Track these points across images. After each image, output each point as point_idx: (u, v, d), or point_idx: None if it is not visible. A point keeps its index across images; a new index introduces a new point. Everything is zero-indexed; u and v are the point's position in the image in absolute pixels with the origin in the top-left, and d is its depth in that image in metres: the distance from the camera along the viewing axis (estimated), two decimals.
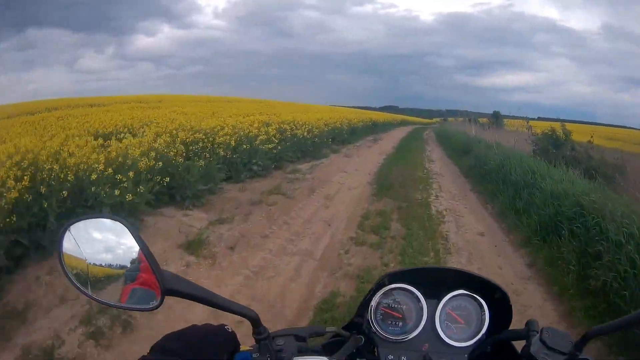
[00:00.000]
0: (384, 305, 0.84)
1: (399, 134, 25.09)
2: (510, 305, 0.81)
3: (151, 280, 0.55)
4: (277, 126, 9.55)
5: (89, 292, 0.57)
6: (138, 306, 0.57)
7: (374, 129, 22.12)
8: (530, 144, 10.21)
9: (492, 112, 41.59)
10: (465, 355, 0.80)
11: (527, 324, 0.74)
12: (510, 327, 0.81)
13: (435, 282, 0.84)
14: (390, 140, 18.60)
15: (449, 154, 14.17)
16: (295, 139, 10.13)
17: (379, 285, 0.83)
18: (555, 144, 9.32)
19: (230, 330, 0.65)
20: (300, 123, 11.35)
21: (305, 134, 10.99)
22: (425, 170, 10.45)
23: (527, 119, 12.67)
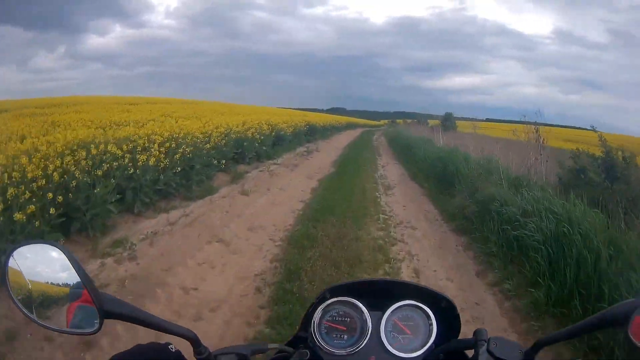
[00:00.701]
0: (328, 319, 0.82)
1: (344, 139, 20.82)
2: (458, 314, 0.81)
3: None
4: (169, 140, 6.23)
5: (34, 316, 0.57)
6: (80, 330, 0.58)
7: (312, 134, 17.39)
8: (538, 159, 6.02)
9: (443, 114, 39.86)
10: None
11: (475, 333, 0.71)
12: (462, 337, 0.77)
13: (380, 294, 0.83)
14: (330, 152, 14.34)
15: (413, 174, 10.07)
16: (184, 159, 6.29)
17: (321, 299, 0.82)
18: (610, 171, 5.08)
19: (174, 350, 0.65)
20: (199, 133, 7.52)
21: (188, 151, 6.47)
22: (382, 218, 5.90)
23: (475, 120, 12.65)
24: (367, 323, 0.80)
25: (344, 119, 33.56)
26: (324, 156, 12.71)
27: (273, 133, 11.75)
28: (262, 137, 10.55)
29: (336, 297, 0.83)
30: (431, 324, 0.80)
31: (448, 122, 38.36)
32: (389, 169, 11.20)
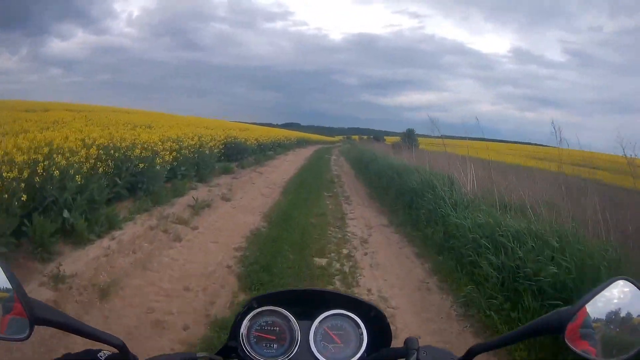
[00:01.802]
0: (256, 328, 0.81)
1: (294, 161, 16.84)
2: (388, 323, 0.82)
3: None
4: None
5: None
6: (13, 336, 0.58)
7: (235, 155, 13.35)
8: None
9: (404, 130, 37.08)
10: None
11: (406, 342, 0.72)
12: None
13: (309, 303, 0.83)
14: (263, 189, 9.27)
15: (416, 248, 5.35)
16: None
17: (248, 309, 0.82)
18: None
19: (104, 358, 0.66)
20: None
21: None
22: None
23: (430, 137, 10.36)
24: (295, 332, 0.80)
25: (292, 134, 29.65)
26: (250, 200, 7.67)
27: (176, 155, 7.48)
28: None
29: (263, 306, 0.82)
30: (361, 333, 0.80)
31: (410, 138, 35.76)
32: (374, 234, 5.91)
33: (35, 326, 0.56)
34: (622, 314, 0.61)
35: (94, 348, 0.67)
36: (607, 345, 0.59)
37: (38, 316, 0.56)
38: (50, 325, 0.57)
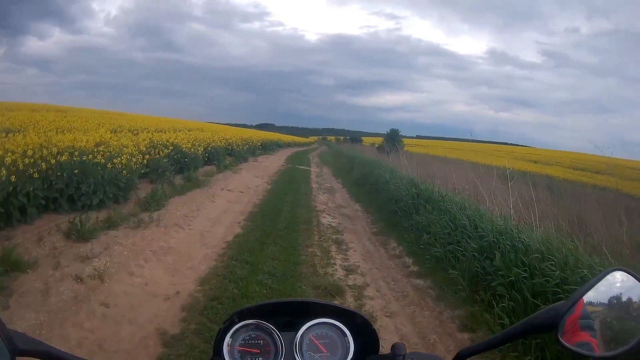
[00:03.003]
0: (240, 343, 0.79)
1: (239, 197, 12.17)
2: (374, 330, 0.80)
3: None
4: None
5: None
6: None
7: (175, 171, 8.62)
8: None
9: (388, 131, 32.60)
10: None
11: (393, 348, 0.71)
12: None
13: (292, 314, 0.82)
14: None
15: None
16: None
17: (230, 324, 0.80)
18: None
19: None
20: None
21: None
22: None
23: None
24: (279, 344, 0.79)
25: (256, 136, 24.29)
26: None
27: None
28: None
29: (244, 320, 0.81)
30: (348, 341, 0.80)
31: (393, 141, 31.20)
32: None
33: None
34: (620, 302, 0.60)
35: None
36: (607, 335, 0.58)
37: (18, 347, 0.54)
38: (31, 356, 0.56)
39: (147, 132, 10.63)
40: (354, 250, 4.92)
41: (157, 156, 8.08)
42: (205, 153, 10.65)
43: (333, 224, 6.20)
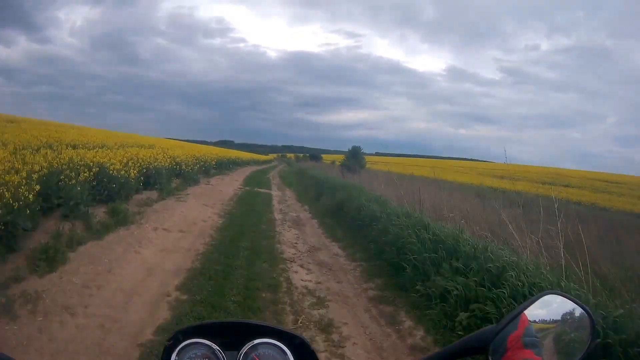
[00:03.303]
0: None
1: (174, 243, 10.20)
2: (313, 350, 0.83)
3: None
4: None
5: None
6: None
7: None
8: None
9: (349, 148, 31.28)
10: None
11: None
12: None
13: (235, 334, 0.84)
14: None
15: None
16: None
17: (174, 342, 0.81)
18: None
19: None
20: None
21: None
22: None
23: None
24: None
25: (216, 153, 22.21)
26: None
27: None
28: None
29: (189, 338, 0.82)
30: None
31: (355, 159, 29.56)
32: None
33: None
34: (561, 324, 0.63)
35: None
36: (550, 353, 0.60)
37: None
38: None
39: (70, 148, 8.34)
40: (353, 343, 3.17)
41: (72, 181, 5.94)
42: (140, 176, 8.47)
43: (310, 286, 4.40)
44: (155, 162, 9.76)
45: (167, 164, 10.57)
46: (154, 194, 8.83)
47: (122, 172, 7.53)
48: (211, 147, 35.14)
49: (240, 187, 14.05)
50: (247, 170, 25.01)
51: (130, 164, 8.28)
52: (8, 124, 12.35)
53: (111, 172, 7.18)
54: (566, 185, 27.83)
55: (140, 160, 8.99)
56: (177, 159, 11.97)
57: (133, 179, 7.76)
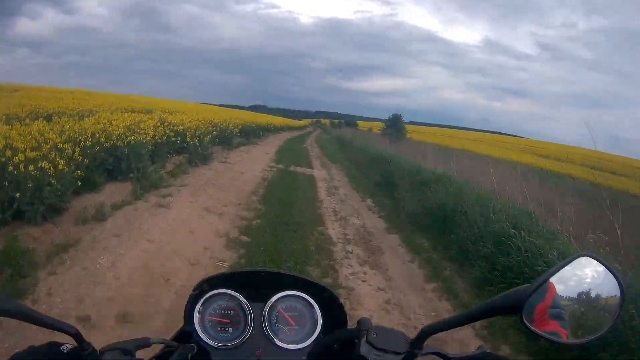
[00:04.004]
0: (210, 312, 0.80)
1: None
2: (341, 304, 0.82)
3: None
4: None
5: None
6: None
7: None
8: None
9: (390, 116, 27.84)
10: (303, 358, 0.78)
11: (358, 323, 0.71)
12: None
13: (261, 285, 0.82)
14: None
15: None
16: None
17: (200, 293, 0.80)
18: None
19: (66, 350, 0.65)
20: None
21: None
22: None
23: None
24: (249, 315, 0.79)
25: (243, 118, 18.01)
26: None
27: None
28: None
29: (215, 289, 0.80)
30: (316, 315, 0.80)
31: (395, 127, 26.07)
32: None
33: None
34: (590, 292, 0.60)
35: (58, 341, 0.65)
36: (576, 324, 0.59)
37: None
38: (5, 315, 0.57)
39: None
40: None
41: None
42: (94, 158, 4.79)
43: None
44: (132, 134, 5.99)
45: (154, 136, 6.78)
46: (125, 189, 5.17)
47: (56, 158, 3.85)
48: (237, 111, 31.41)
49: (270, 164, 10.17)
50: (281, 138, 21.08)
51: (81, 138, 4.61)
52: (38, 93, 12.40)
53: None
54: (612, 172, 22.55)
55: (99, 134, 5.25)
56: (178, 128, 8.18)
57: (68, 170, 4.02)
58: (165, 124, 7.98)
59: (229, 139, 11.92)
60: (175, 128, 7.99)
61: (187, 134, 8.16)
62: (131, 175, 5.69)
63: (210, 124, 10.73)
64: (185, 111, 13.27)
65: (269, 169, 9.45)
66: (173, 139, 7.67)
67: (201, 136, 8.60)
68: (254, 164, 9.83)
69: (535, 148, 37.20)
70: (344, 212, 6.34)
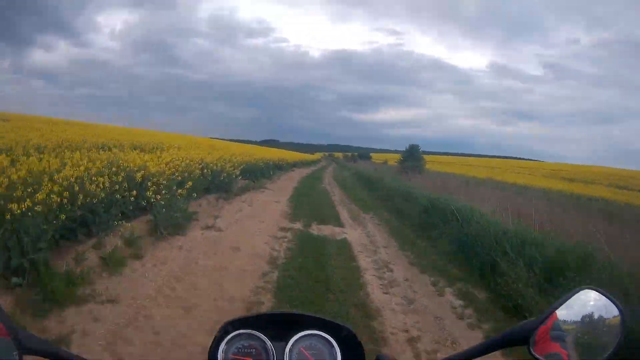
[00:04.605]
0: (233, 351, 0.81)
1: None
2: (360, 342, 0.82)
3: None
4: None
5: None
6: None
7: None
8: None
9: (407, 147, 25.30)
10: None
11: (377, 358, 0.75)
12: None
13: (283, 325, 0.84)
14: None
15: None
16: None
17: (224, 333, 0.81)
18: None
19: None
20: None
21: None
22: None
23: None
24: (271, 354, 0.81)
25: (239, 151, 14.66)
26: None
27: None
28: None
29: (238, 329, 0.82)
30: (335, 352, 0.82)
31: (413, 158, 23.85)
32: None
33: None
34: (591, 318, 0.62)
35: None
36: (578, 347, 0.60)
37: (27, 347, 0.55)
38: (39, 355, 0.57)
39: None
40: None
41: None
42: None
43: None
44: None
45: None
46: None
47: None
48: (245, 146, 28.82)
49: (282, 223, 6.96)
50: (294, 178, 18.07)
51: None
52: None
53: None
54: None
55: None
56: (136, 174, 5.17)
57: None
58: (120, 168, 5.02)
59: (227, 183, 8.91)
60: (132, 174, 4.99)
61: (150, 182, 5.13)
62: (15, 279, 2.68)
63: (199, 163, 7.77)
64: (167, 146, 10.51)
65: (281, 234, 6.22)
66: (124, 193, 4.66)
67: (175, 187, 5.56)
68: (258, 225, 6.66)
69: (558, 172, 34.99)
70: (424, 336, 3.12)
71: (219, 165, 8.93)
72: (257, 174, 12.95)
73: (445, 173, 22.83)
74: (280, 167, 19.39)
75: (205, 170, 7.96)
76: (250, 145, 37.61)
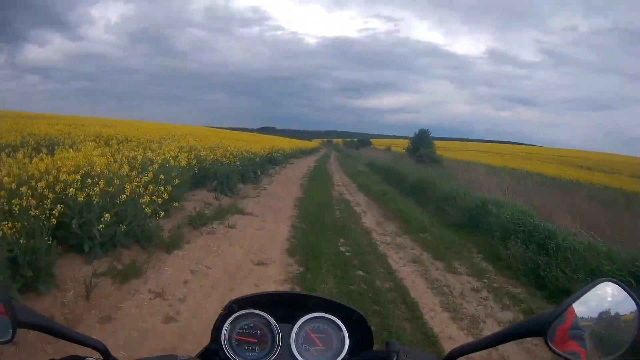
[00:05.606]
0: (238, 331, 0.79)
1: None
2: (369, 327, 0.81)
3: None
4: None
5: None
6: None
7: None
8: None
9: (416, 132, 22.98)
10: None
11: (387, 345, 0.71)
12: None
13: (290, 306, 0.82)
14: None
15: None
16: None
17: (228, 312, 0.80)
18: None
19: None
20: None
21: None
22: None
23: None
24: (276, 335, 0.78)
25: (214, 141, 11.08)
26: None
27: None
28: None
29: (244, 309, 0.80)
30: (343, 336, 0.79)
31: (423, 145, 21.20)
32: None
33: (18, 329, 0.57)
34: (609, 314, 0.61)
35: (80, 354, 0.64)
36: (595, 345, 0.60)
37: (21, 319, 0.55)
38: (33, 329, 0.57)
39: None
40: None
41: None
42: None
43: None
44: None
45: None
46: None
47: None
48: (239, 133, 25.75)
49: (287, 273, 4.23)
50: (295, 172, 15.15)
51: None
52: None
53: None
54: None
55: None
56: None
57: None
58: None
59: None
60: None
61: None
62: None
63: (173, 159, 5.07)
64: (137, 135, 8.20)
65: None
66: None
67: None
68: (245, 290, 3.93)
69: (573, 159, 33.08)
70: None
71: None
72: (246, 173, 9.77)
73: (462, 161, 20.41)
74: (275, 162, 15.89)
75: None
76: (245, 133, 34.84)
